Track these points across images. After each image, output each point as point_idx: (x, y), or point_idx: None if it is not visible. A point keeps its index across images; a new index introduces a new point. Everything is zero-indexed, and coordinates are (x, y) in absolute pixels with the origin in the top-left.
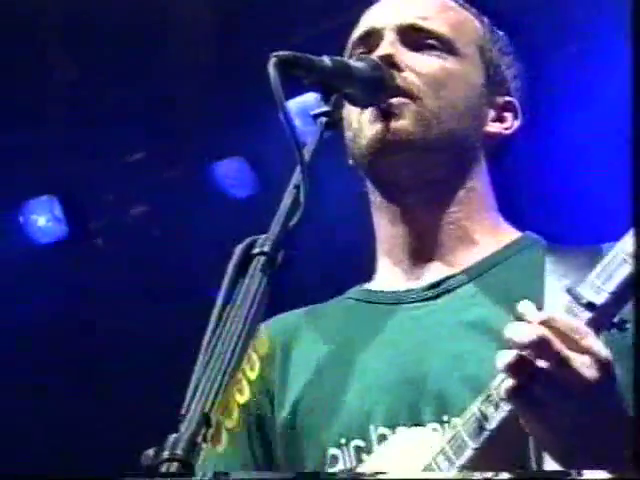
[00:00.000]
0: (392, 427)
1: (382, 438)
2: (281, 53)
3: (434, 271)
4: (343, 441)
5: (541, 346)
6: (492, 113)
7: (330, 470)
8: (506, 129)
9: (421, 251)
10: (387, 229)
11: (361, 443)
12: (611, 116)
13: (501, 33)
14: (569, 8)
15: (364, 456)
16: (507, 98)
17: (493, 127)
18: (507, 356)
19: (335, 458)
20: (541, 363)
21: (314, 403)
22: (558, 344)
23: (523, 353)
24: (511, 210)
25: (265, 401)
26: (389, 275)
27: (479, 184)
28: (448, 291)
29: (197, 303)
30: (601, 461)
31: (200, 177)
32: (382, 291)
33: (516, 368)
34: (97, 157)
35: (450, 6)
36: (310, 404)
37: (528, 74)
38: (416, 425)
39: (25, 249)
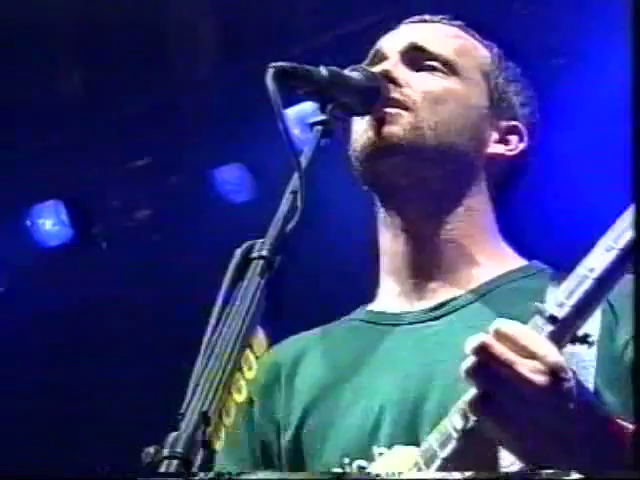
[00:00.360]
0: (390, 447)
1: (378, 456)
2: (278, 64)
3: (436, 291)
4: (346, 461)
5: (483, 351)
6: (495, 135)
7: None
8: (509, 151)
9: (423, 269)
10: (389, 244)
11: (364, 463)
12: (599, 128)
13: (511, 63)
14: (555, 21)
15: None
16: (512, 122)
17: (496, 148)
18: (465, 363)
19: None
20: (489, 369)
21: (318, 424)
22: (498, 348)
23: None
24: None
25: (270, 427)
26: (392, 295)
27: (479, 203)
28: (451, 312)
29: (198, 304)
30: (568, 462)
31: (201, 183)
32: (385, 312)
33: (471, 374)
34: (102, 164)
35: (459, 34)
36: (314, 425)
37: None
38: (413, 445)
39: (32, 251)
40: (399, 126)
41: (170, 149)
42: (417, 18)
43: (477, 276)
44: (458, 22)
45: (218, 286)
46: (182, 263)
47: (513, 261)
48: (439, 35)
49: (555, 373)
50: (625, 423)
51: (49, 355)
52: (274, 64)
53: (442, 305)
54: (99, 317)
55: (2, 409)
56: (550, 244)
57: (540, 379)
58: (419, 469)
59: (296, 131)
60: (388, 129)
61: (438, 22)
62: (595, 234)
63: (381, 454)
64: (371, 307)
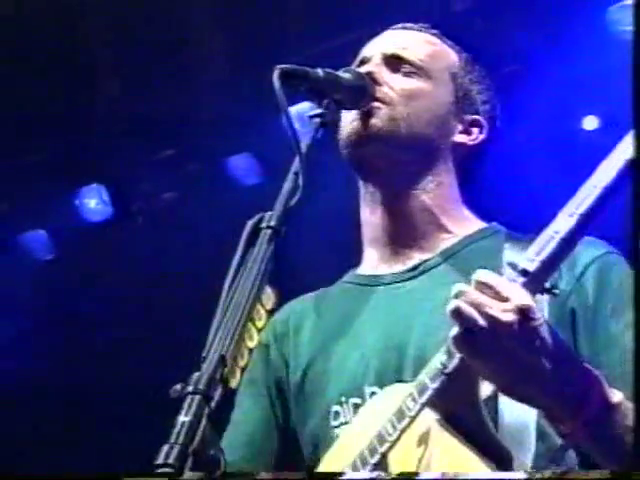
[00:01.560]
0: (380, 386)
1: (373, 395)
2: (283, 65)
3: (411, 255)
4: (343, 399)
5: (462, 295)
6: (460, 127)
7: (333, 423)
8: (471, 140)
9: (398, 237)
10: (369, 216)
11: (358, 400)
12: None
13: (477, 67)
14: (502, 31)
15: (360, 411)
16: (475, 117)
17: (460, 138)
18: (449, 306)
19: (337, 413)
20: (467, 310)
21: (320, 370)
22: (474, 293)
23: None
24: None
25: (282, 368)
26: (374, 260)
27: (446, 180)
28: (423, 273)
29: (217, 268)
30: (538, 396)
31: (217, 169)
32: (370, 275)
33: (454, 314)
34: (136, 153)
35: (432, 41)
36: (316, 371)
37: None
38: (396, 382)
39: (79, 226)
40: (379, 118)
41: (191, 141)
42: (399, 26)
43: (445, 240)
44: (433, 30)
45: (232, 252)
46: (202, 235)
47: (474, 225)
48: (416, 42)
49: (524, 313)
50: (590, 367)
51: (96, 314)
52: (279, 66)
53: (416, 267)
54: (135, 279)
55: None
56: (504, 210)
57: (510, 318)
58: (413, 399)
59: (297, 125)
60: (370, 121)
61: (416, 30)
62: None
63: (373, 393)
64: (358, 271)
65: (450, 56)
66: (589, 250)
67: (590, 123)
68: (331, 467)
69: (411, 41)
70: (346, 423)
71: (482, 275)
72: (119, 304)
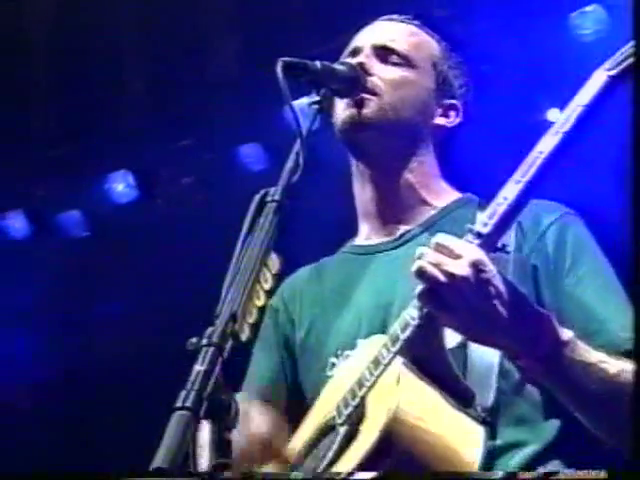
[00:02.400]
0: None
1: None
2: (285, 58)
3: (397, 227)
4: (339, 352)
5: (422, 257)
6: (440, 111)
7: (329, 373)
8: (449, 123)
9: (386, 210)
10: (361, 192)
11: (351, 352)
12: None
13: (454, 54)
14: (478, 35)
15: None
16: (452, 101)
17: (440, 120)
18: (413, 267)
19: (333, 364)
20: (429, 268)
21: (320, 328)
22: (432, 253)
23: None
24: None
25: (289, 327)
26: (366, 232)
27: (427, 159)
28: (408, 241)
29: (227, 242)
30: (498, 339)
31: (228, 157)
32: (364, 245)
33: (418, 274)
34: (158, 142)
35: (415, 32)
36: (318, 329)
37: None
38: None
39: (109, 207)
40: (369, 109)
41: (206, 133)
42: (386, 17)
43: (425, 212)
44: (416, 22)
45: (241, 228)
46: (215, 213)
47: (451, 196)
48: (401, 34)
49: (476, 266)
50: (541, 309)
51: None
52: (282, 59)
53: (400, 237)
54: (156, 253)
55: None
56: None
57: (465, 271)
58: (387, 349)
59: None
60: (362, 111)
61: (402, 22)
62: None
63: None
64: (354, 242)
65: (431, 45)
66: (549, 213)
67: (553, 114)
68: (320, 410)
69: (397, 33)
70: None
71: (440, 238)
72: (143, 275)
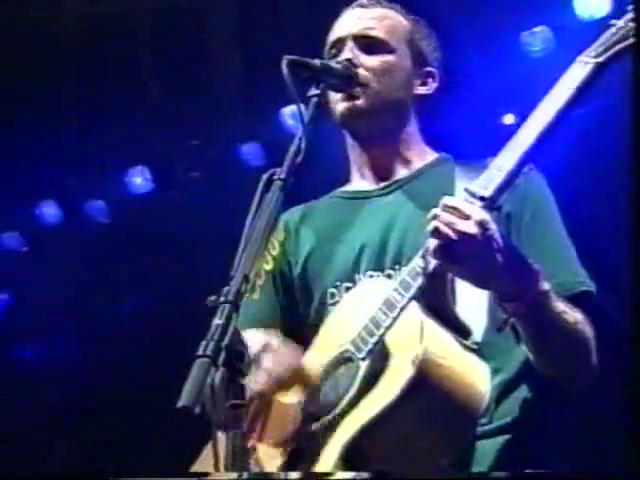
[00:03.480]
0: (365, 274)
1: (359, 281)
2: (290, 56)
3: (387, 178)
4: (338, 284)
5: (436, 217)
6: (418, 81)
7: (329, 301)
8: (428, 90)
9: (377, 170)
10: (356, 158)
11: (349, 284)
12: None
13: (423, 24)
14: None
15: (349, 293)
16: (428, 69)
17: (420, 90)
18: (429, 225)
19: (332, 294)
20: (443, 228)
21: (317, 262)
22: (444, 214)
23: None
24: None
25: (286, 266)
26: (359, 181)
27: (411, 129)
28: (396, 189)
29: (229, 227)
30: (498, 284)
31: (231, 154)
32: (356, 191)
33: (433, 233)
34: (171, 142)
35: (388, 15)
36: (314, 263)
37: None
38: (380, 270)
39: (128, 197)
40: (362, 100)
41: (212, 133)
42: (357, 4)
43: (410, 167)
44: (384, 2)
45: (243, 216)
46: (219, 204)
47: (431, 156)
48: (377, 20)
49: (482, 225)
50: (531, 263)
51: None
52: (286, 57)
53: (391, 185)
54: (170, 234)
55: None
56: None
57: (474, 230)
58: (400, 293)
59: (291, 122)
60: (356, 102)
61: (373, 6)
62: None
63: (360, 279)
64: (345, 189)
65: (403, 24)
66: None
67: (509, 119)
68: (330, 340)
69: (373, 20)
70: (339, 302)
71: (449, 200)
72: (156, 256)
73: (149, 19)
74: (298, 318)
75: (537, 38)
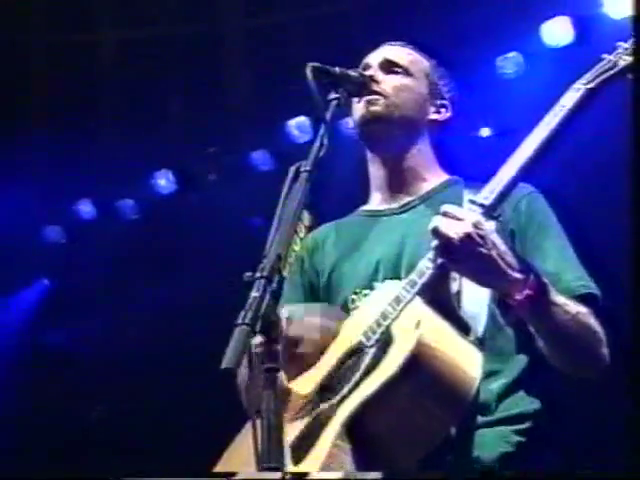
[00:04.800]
0: (383, 282)
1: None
2: (314, 63)
3: (402, 197)
4: (357, 291)
5: (436, 222)
6: (433, 109)
7: (351, 306)
8: (441, 118)
9: (393, 185)
10: (375, 173)
11: (368, 292)
12: None
13: (441, 68)
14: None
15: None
16: (443, 101)
17: (433, 116)
18: (430, 228)
19: (353, 300)
20: (441, 228)
21: (340, 273)
22: (443, 219)
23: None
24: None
25: (313, 273)
26: (377, 200)
27: (424, 147)
28: (410, 209)
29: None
30: (497, 278)
31: (243, 160)
32: (375, 210)
33: (434, 233)
34: (191, 149)
35: (411, 52)
36: (338, 273)
37: None
38: (397, 279)
39: (154, 197)
40: (379, 107)
41: (227, 141)
42: (388, 43)
43: (423, 187)
44: (410, 45)
45: (253, 213)
46: (233, 202)
47: (443, 177)
48: (401, 53)
49: (475, 225)
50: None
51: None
52: (310, 64)
53: (405, 205)
54: (190, 229)
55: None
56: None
57: (467, 229)
58: (406, 290)
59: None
60: (373, 108)
61: (400, 45)
62: None
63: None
64: (366, 207)
65: (424, 61)
66: (519, 190)
67: (485, 132)
68: (347, 337)
69: (398, 52)
70: (358, 307)
71: (446, 207)
72: (178, 249)
73: (178, 45)
74: None
75: (510, 62)
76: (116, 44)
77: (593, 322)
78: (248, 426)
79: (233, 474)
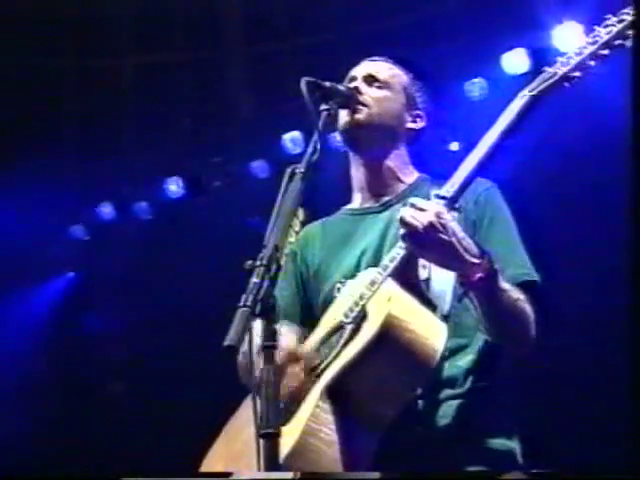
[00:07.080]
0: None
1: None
2: (307, 78)
3: (381, 197)
4: (342, 280)
5: (403, 212)
6: (409, 118)
7: (336, 294)
8: (416, 126)
9: (373, 185)
10: (356, 174)
11: (352, 281)
12: None
13: (418, 82)
14: None
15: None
16: (418, 112)
17: (410, 125)
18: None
19: (338, 289)
20: (406, 218)
21: (328, 265)
22: (408, 209)
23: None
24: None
25: (304, 266)
26: (359, 200)
27: (401, 151)
28: (388, 208)
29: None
30: (455, 261)
31: (244, 169)
32: (358, 208)
33: (401, 222)
34: (199, 158)
35: (391, 67)
36: (326, 265)
37: None
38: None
39: (166, 201)
40: (361, 115)
41: (230, 152)
42: (370, 58)
43: (400, 186)
44: (391, 60)
45: (253, 214)
46: (235, 206)
47: (414, 176)
48: (382, 68)
49: (437, 215)
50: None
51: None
52: (305, 78)
53: (385, 204)
54: (198, 230)
55: None
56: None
57: (430, 218)
58: (379, 273)
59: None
60: (356, 116)
61: (382, 60)
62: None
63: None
64: (349, 206)
65: (402, 76)
66: (480, 185)
67: (454, 146)
68: (330, 318)
69: (380, 67)
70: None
71: (412, 199)
72: (186, 249)
73: (188, 68)
74: (312, 307)
75: (476, 87)
76: (135, 68)
77: (528, 308)
78: (227, 427)
79: (230, 474)
